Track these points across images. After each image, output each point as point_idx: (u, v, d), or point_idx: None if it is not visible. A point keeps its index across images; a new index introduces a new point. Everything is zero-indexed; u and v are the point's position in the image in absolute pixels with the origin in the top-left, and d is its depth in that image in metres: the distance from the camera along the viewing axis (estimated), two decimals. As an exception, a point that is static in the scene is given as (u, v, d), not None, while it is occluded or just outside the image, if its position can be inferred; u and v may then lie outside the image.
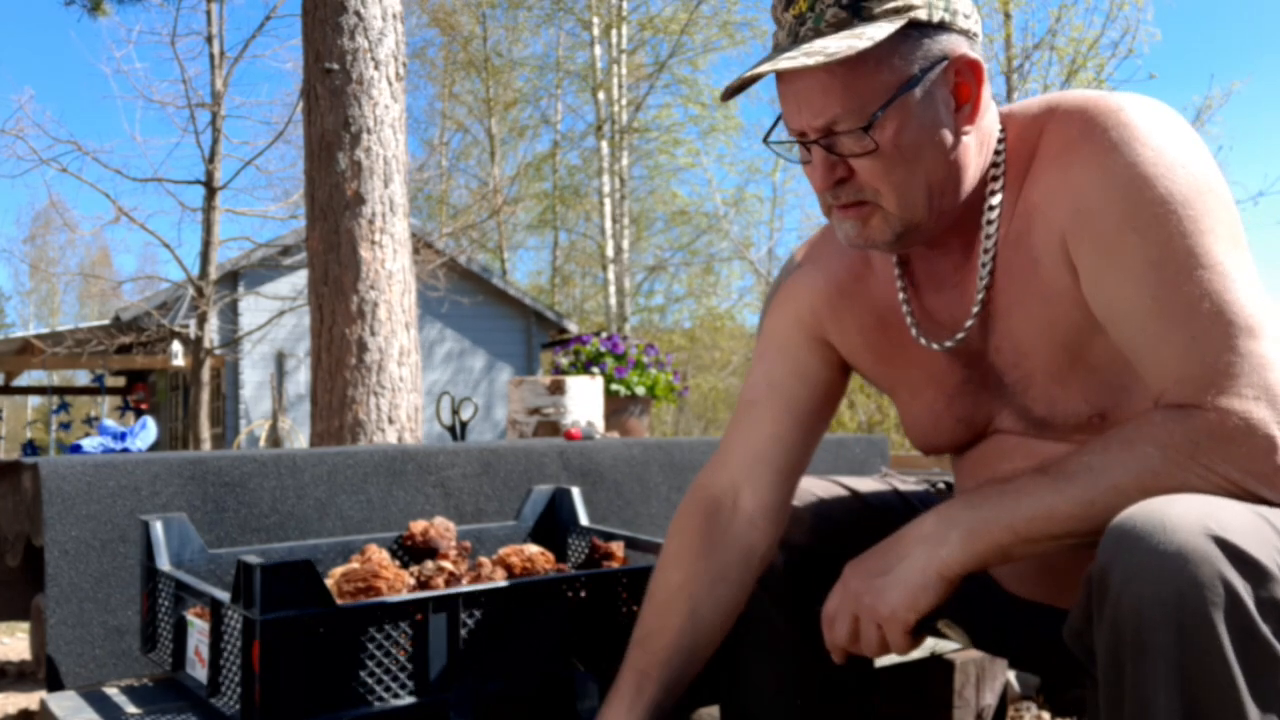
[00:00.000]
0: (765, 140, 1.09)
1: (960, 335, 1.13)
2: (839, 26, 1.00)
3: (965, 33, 1.04)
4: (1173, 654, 0.81)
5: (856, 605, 1.05)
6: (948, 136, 1.04)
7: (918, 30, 1.01)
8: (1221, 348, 0.94)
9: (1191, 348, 0.95)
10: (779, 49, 1.05)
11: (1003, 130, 1.10)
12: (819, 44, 0.99)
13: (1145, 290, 0.97)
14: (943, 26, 1.02)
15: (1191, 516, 0.84)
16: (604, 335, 4.37)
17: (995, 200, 1.09)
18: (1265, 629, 0.81)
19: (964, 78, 1.04)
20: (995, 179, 1.09)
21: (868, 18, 1.00)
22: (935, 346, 1.15)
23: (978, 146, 1.08)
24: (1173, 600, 0.81)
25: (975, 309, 1.12)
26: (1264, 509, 0.90)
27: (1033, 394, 1.12)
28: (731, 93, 1.05)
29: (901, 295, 1.19)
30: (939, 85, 1.03)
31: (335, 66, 3.64)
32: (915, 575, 1.00)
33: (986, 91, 1.06)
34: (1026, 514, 0.96)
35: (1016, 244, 1.08)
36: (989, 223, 1.09)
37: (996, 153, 1.09)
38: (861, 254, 1.22)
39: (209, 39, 10.94)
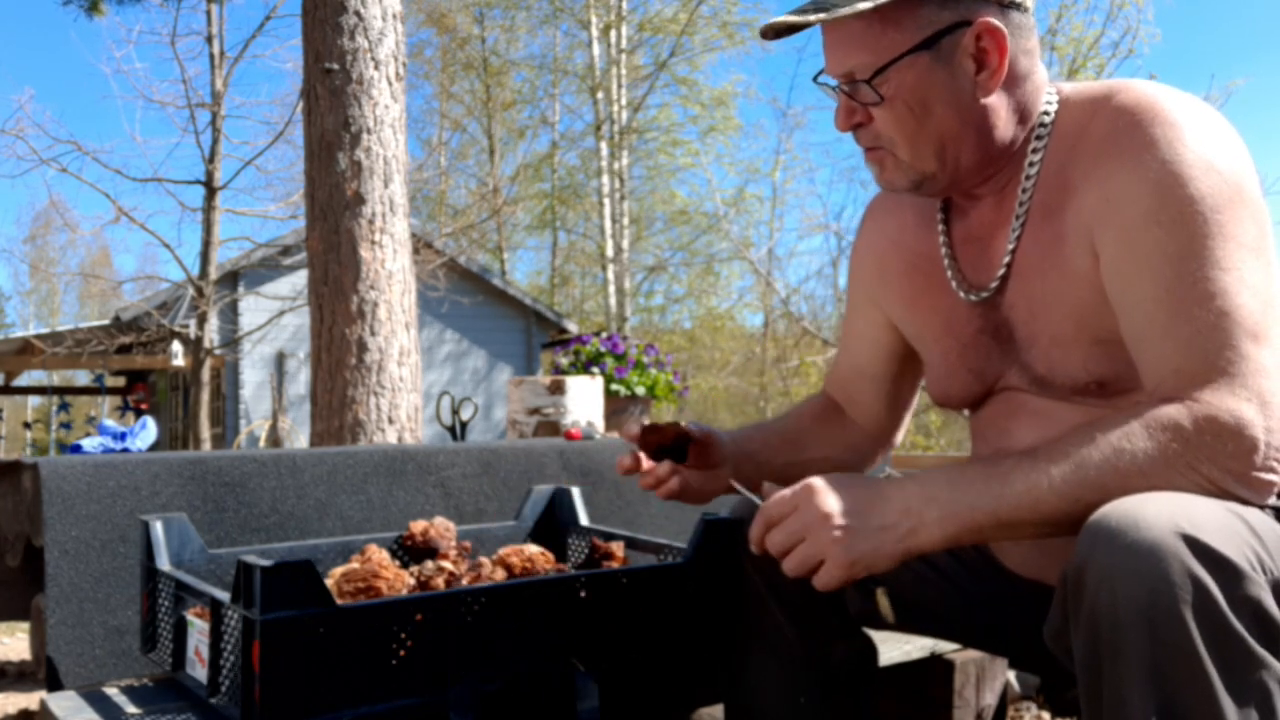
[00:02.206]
0: (815, 79, 1.17)
1: (989, 290, 1.17)
2: None
3: (998, 0, 1.08)
4: (1146, 653, 0.82)
5: (815, 528, 1.01)
6: (963, 98, 1.09)
7: None
8: (1224, 346, 0.96)
9: (1194, 342, 0.97)
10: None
11: (1057, 103, 1.14)
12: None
13: (1160, 282, 0.99)
14: None
15: (1165, 515, 0.85)
16: (604, 335, 4.36)
17: (1033, 168, 1.13)
18: (1239, 626, 0.82)
19: (985, 43, 1.08)
20: (1036, 150, 1.13)
21: None
22: (972, 298, 1.19)
23: (1012, 111, 1.12)
24: (1145, 599, 0.82)
25: (1002, 270, 1.16)
26: (1239, 507, 0.91)
27: (1035, 353, 1.14)
28: (772, 33, 1.15)
29: (943, 241, 1.24)
30: (957, 48, 1.07)
31: (335, 66, 3.64)
32: (887, 543, 1.00)
33: (1024, 59, 1.11)
34: (1010, 504, 0.97)
35: (1048, 216, 1.12)
36: (1024, 190, 1.13)
37: (1042, 125, 1.13)
38: (910, 206, 1.29)
39: (209, 39, 10.95)
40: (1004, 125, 1.12)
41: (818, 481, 1.03)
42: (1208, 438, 0.93)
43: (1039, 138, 1.13)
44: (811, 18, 1.08)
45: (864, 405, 1.44)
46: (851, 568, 1.01)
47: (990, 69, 1.08)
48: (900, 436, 1.47)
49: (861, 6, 1.05)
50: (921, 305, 1.28)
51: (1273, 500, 0.96)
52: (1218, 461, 0.93)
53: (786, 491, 1.04)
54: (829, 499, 1.02)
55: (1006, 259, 1.15)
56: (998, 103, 1.11)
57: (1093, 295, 1.07)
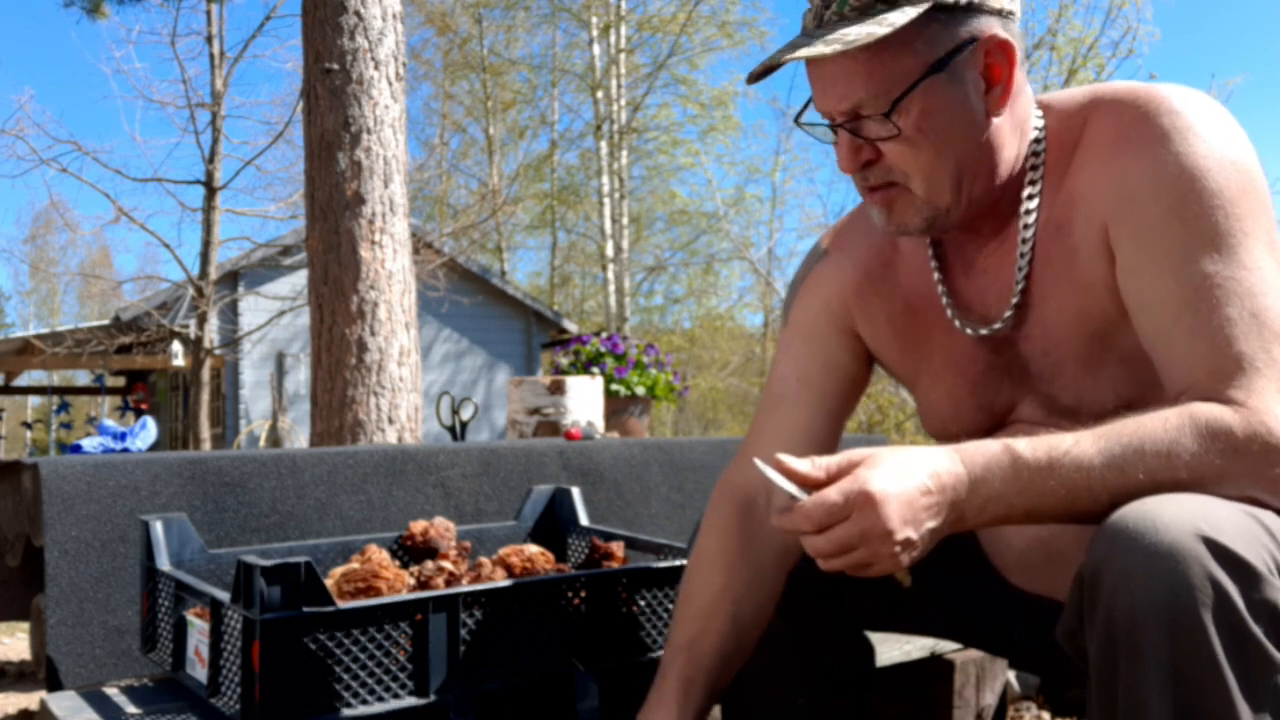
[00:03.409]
0: (797, 121, 1.09)
1: (999, 325, 1.12)
2: (862, 12, 1.00)
3: (999, 12, 1.03)
4: (1164, 655, 0.81)
5: (874, 543, 0.91)
6: (978, 119, 1.04)
7: (944, 13, 1.00)
8: (1258, 349, 0.94)
9: (1229, 344, 0.95)
10: (805, 32, 1.05)
11: (1042, 118, 1.09)
12: (840, 31, 0.99)
13: (1186, 281, 0.97)
14: (971, 8, 1.01)
15: (1184, 517, 0.84)
16: (604, 335, 4.36)
17: (1034, 188, 1.08)
18: (1258, 630, 0.81)
19: (995, 59, 1.03)
20: (1034, 167, 1.08)
21: (890, 2, 0.99)
22: (972, 332, 1.14)
23: (1012, 130, 1.07)
24: (1163, 601, 0.81)
25: (1015, 298, 1.10)
26: (1256, 510, 0.90)
27: (1061, 382, 1.11)
28: (756, 77, 1.06)
29: (937, 278, 1.17)
30: (968, 67, 1.02)
31: (335, 66, 3.64)
32: (934, 542, 0.95)
33: (1020, 73, 1.05)
34: (1047, 503, 0.94)
35: (1056, 233, 1.08)
36: (1028, 211, 1.09)
37: (1035, 140, 1.08)
38: (890, 239, 1.21)
39: (209, 39, 10.95)
40: (1009, 145, 1.07)
41: (875, 487, 0.90)
42: (1256, 447, 0.91)
43: (1034, 154, 1.09)
44: (820, 50, 0.98)
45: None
46: (898, 570, 0.95)
47: (1001, 85, 1.03)
48: None
49: (880, 33, 0.97)
50: (920, 346, 1.21)
51: None
52: (1257, 471, 0.92)
53: (837, 496, 0.91)
54: (890, 511, 0.90)
55: (1019, 287, 1.10)
56: (1004, 121, 1.06)
57: (1113, 307, 1.04)
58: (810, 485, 0.96)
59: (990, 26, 1.02)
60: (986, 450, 0.94)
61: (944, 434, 1.22)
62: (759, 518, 1.22)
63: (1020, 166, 1.09)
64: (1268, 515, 0.90)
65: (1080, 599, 0.89)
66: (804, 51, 0.99)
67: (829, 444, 1.25)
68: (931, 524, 0.93)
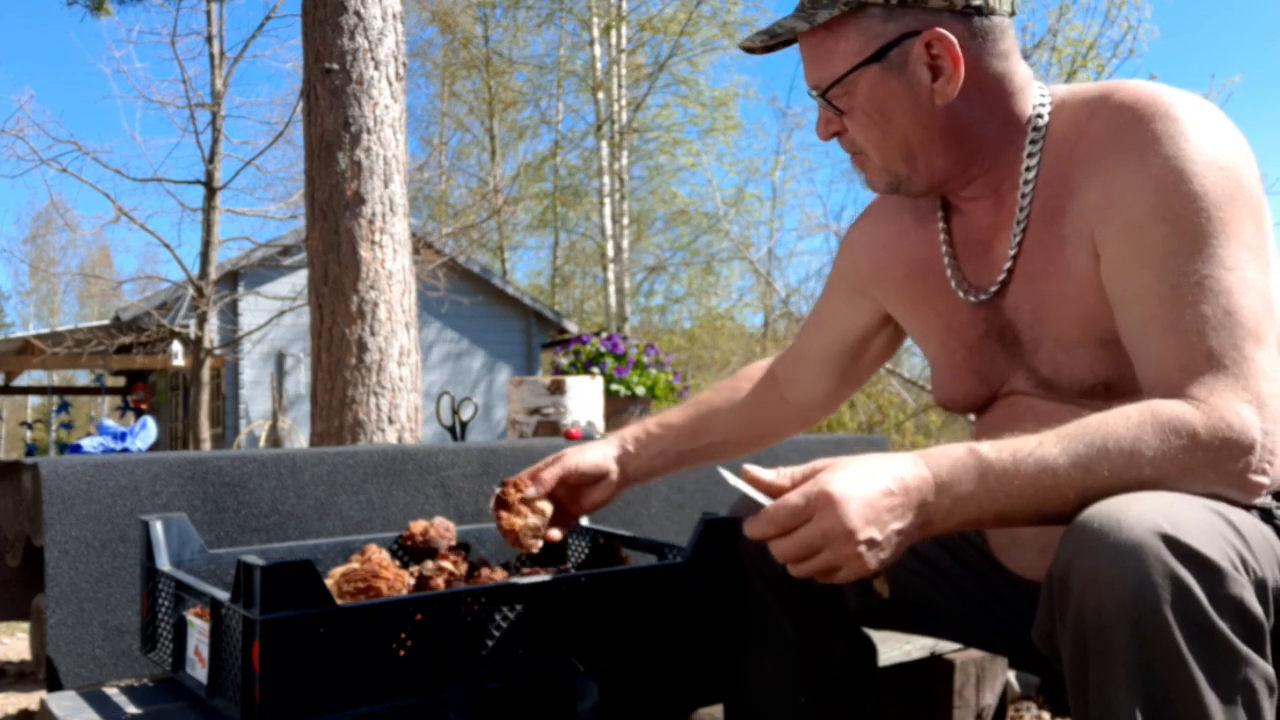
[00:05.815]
0: (809, 93, 1.21)
1: (992, 289, 1.18)
2: (803, 8, 1.14)
3: (949, 7, 1.09)
4: (1131, 653, 0.82)
5: (837, 544, 0.93)
6: (922, 105, 1.12)
7: (880, 10, 1.09)
8: (1228, 346, 0.96)
9: (1200, 340, 0.97)
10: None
11: (1050, 106, 1.14)
12: (785, 22, 1.15)
13: (1165, 279, 0.99)
14: (905, 5, 1.09)
15: (1147, 516, 0.85)
16: (604, 335, 4.36)
17: (1031, 170, 1.13)
18: (1223, 625, 0.82)
19: (937, 50, 1.10)
20: (1033, 153, 1.13)
21: (826, 3, 1.11)
22: (972, 299, 1.20)
23: (984, 112, 1.13)
24: (1128, 600, 0.82)
25: (1007, 264, 1.16)
26: (1225, 507, 0.91)
27: (1041, 356, 1.14)
28: (752, 48, 1.21)
29: (944, 246, 1.24)
30: (908, 58, 1.10)
31: (335, 66, 3.64)
32: (904, 545, 0.96)
33: (995, 60, 1.12)
34: (1017, 505, 0.95)
35: (1050, 219, 1.11)
36: (1024, 193, 1.14)
37: (1036, 128, 1.13)
38: (909, 209, 1.30)
39: (209, 39, 10.95)
40: (978, 127, 1.13)
41: (835, 488, 0.93)
42: (1217, 443, 0.93)
43: (1034, 140, 1.13)
44: (751, 40, 1.17)
45: (807, 385, 1.48)
46: (868, 573, 0.96)
47: (946, 75, 1.10)
48: (821, 420, 1.55)
49: (802, 28, 1.12)
50: (923, 308, 1.28)
51: (1259, 500, 0.96)
52: (1221, 467, 0.93)
53: (798, 498, 0.94)
54: (851, 511, 0.92)
55: (1009, 262, 1.16)
56: (964, 106, 1.12)
57: (1096, 297, 1.07)
58: (776, 494, 0.99)
59: (937, 21, 1.09)
60: (950, 453, 0.97)
61: (947, 399, 1.28)
62: (774, 394, 1.50)
63: (1015, 149, 1.14)
64: (1235, 512, 0.91)
65: (1051, 600, 0.89)
66: (744, 39, 1.19)
67: (839, 375, 1.46)
68: (897, 525, 0.95)
